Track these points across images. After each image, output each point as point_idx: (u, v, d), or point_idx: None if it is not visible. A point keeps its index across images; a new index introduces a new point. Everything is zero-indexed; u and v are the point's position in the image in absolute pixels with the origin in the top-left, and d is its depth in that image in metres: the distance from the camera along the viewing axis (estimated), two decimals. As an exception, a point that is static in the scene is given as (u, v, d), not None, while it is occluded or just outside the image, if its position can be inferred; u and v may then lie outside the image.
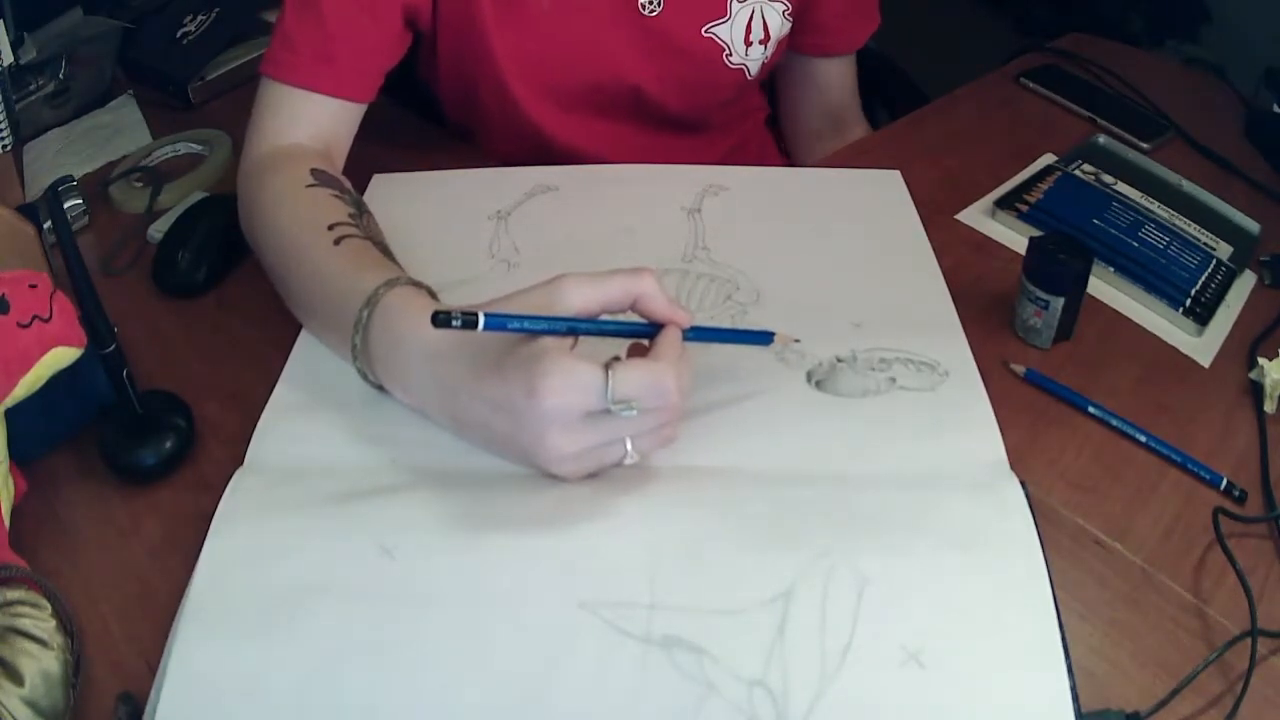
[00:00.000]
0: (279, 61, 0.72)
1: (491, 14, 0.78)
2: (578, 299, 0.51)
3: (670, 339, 0.52)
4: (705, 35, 0.83)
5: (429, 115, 0.94)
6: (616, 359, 0.49)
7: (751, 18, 0.84)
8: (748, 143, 1.01)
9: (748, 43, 0.85)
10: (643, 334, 0.54)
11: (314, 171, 0.67)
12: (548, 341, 0.49)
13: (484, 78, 0.81)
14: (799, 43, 0.92)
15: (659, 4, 0.81)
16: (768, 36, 0.86)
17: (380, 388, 0.59)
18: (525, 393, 0.48)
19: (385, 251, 0.64)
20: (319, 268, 0.61)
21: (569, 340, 0.51)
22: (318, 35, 0.72)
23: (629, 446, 0.51)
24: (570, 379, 0.48)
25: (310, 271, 0.62)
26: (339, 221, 0.63)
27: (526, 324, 0.49)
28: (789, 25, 0.87)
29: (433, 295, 0.58)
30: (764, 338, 0.60)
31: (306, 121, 0.73)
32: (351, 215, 0.65)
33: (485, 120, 0.86)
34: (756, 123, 1.02)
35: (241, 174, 0.72)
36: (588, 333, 0.52)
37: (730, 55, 0.85)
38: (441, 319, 0.47)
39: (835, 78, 0.98)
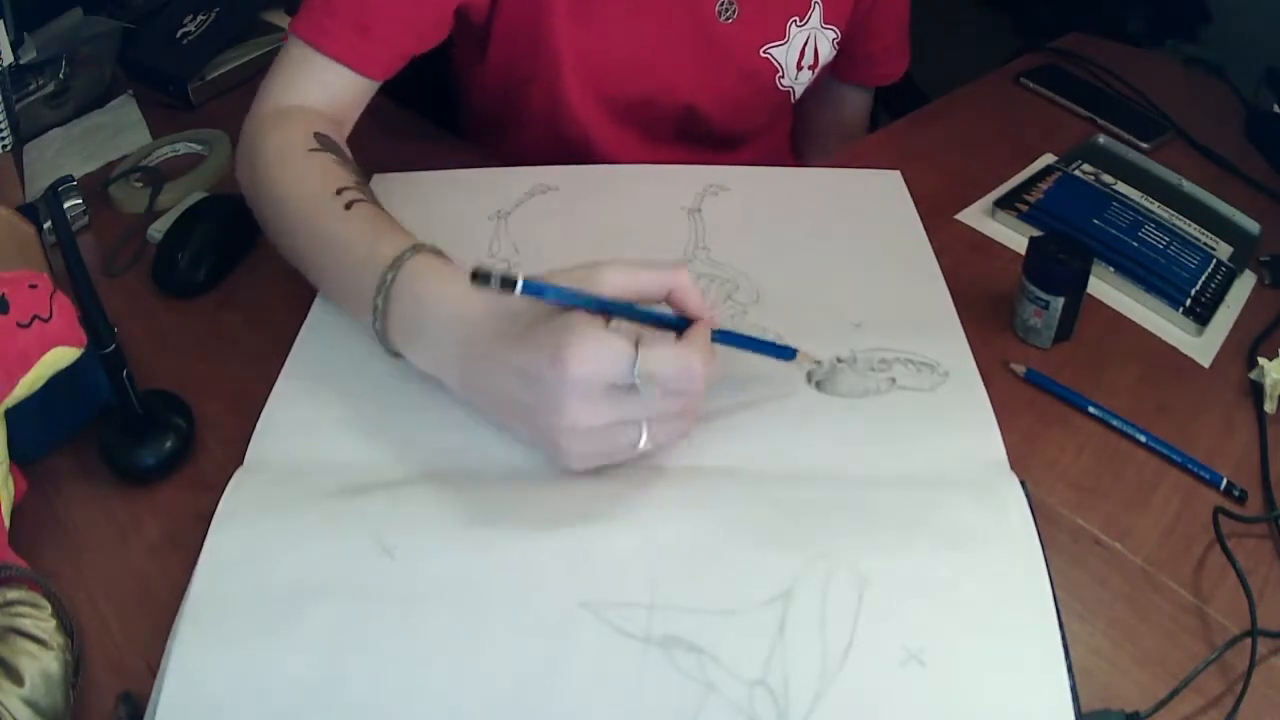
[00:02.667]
0: (314, 24, 0.71)
1: (564, 14, 0.78)
2: (615, 283, 0.51)
3: (700, 333, 0.52)
4: (763, 55, 0.86)
5: (429, 115, 0.94)
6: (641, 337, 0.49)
7: (806, 42, 0.87)
8: (770, 156, 1.02)
9: (799, 66, 0.88)
10: (673, 326, 0.54)
11: (317, 135, 0.67)
12: (580, 314, 0.49)
13: (539, 78, 0.82)
14: (838, 70, 0.96)
15: (734, 12, 0.83)
16: (816, 62, 0.89)
17: (396, 354, 0.59)
18: (552, 359, 0.48)
19: (390, 218, 0.63)
20: (332, 233, 0.61)
21: (601, 318, 0.50)
22: (357, 4, 0.71)
23: (644, 432, 0.51)
24: (600, 347, 0.48)
25: (323, 236, 0.62)
26: (346, 186, 0.63)
27: (563, 295, 0.49)
28: (834, 53, 0.90)
29: (447, 259, 0.59)
30: (787, 353, 0.60)
31: (326, 88, 0.72)
32: (357, 181, 0.65)
33: (522, 120, 0.87)
34: (781, 136, 1.04)
35: (246, 127, 0.71)
36: (620, 314, 0.51)
37: (782, 77, 0.88)
38: (482, 277, 0.47)
39: (856, 103, 1.02)
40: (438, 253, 0.58)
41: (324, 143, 0.67)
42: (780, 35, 0.86)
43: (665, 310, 0.54)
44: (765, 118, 0.93)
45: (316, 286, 0.66)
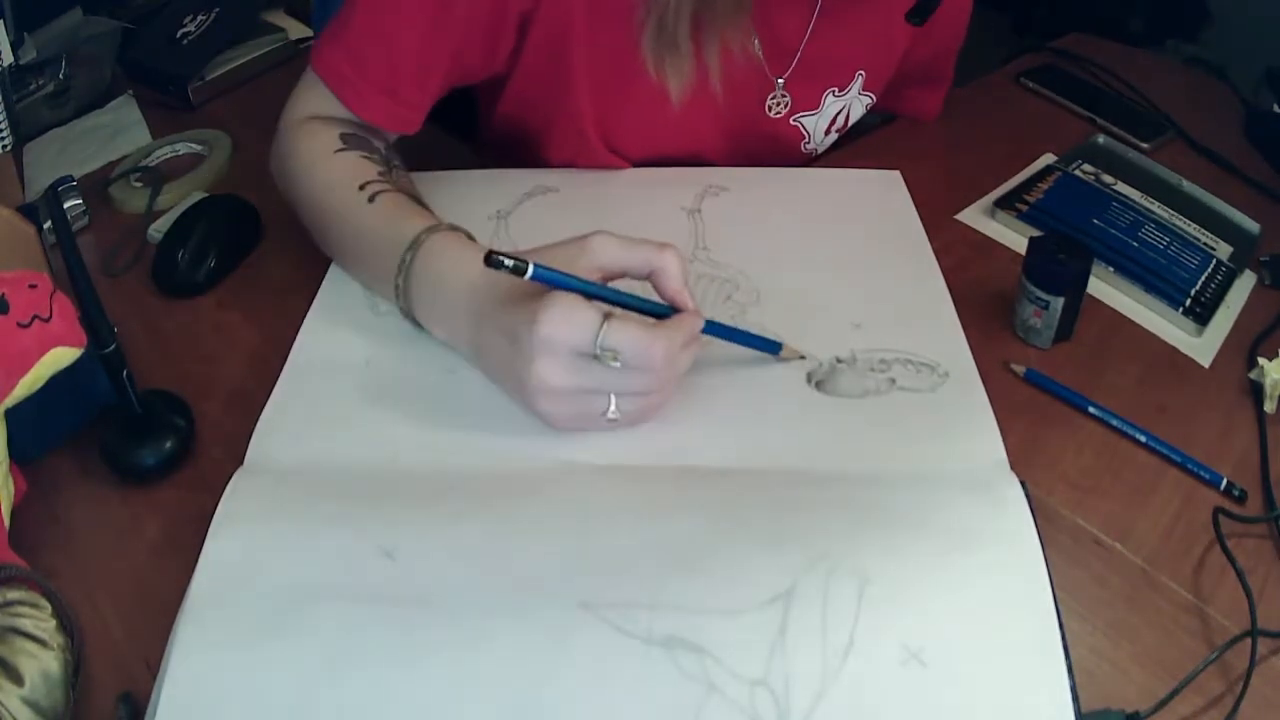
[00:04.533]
0: (343, 79, 0.71)
1: (585, 83, 0.75)
2: (604, 256, 0.55)
3: (679, 321, 0.55)
4: (793, 124, 0.84)
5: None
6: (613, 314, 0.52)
7: (840, 111, 0.85)
8: None
9: (827, 132, 0.86)
10: (657, 314, 0.56)
11: (343, 136, 0.70)
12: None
13: (561, 125, 0.79)
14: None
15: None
16: (846, 125, 0.87)
17: (419, 325, 0.63)
18: (528, 320, 0.52)
19: (418, 200, 0.67)
20: (357, 224, 0.66)
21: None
22: (387, 65, 0.70)
23: (612, 403, 0.54)
24: (568, 314, 0.52)
25: (350, 229, 0.67)
26: (369, 180, 0.67)
27: (570, 283, 0.53)
28: (864, 113, 0.87)
29: (470, 238, 0.63)
30: (772, 347, 0.62)
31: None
32: (381, 173, 0.68)
33: (537, 152, 0.83)
34: None
35: (278, 132, 0.74)
36: (619, 303, 0.55)
37: (808, 143, 0.86)
38: (495, 261, 0.51)
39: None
40: (455, 230, 0.62)
41: (349, 141, 0.70)
42: (814, 105, 0.83)
43: (663, 304, 0.56)
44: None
45: (352, 276, 0.70)
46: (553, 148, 0.81)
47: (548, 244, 0.56)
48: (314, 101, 0.73)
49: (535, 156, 0.83)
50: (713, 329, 0.58)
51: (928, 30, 0.78)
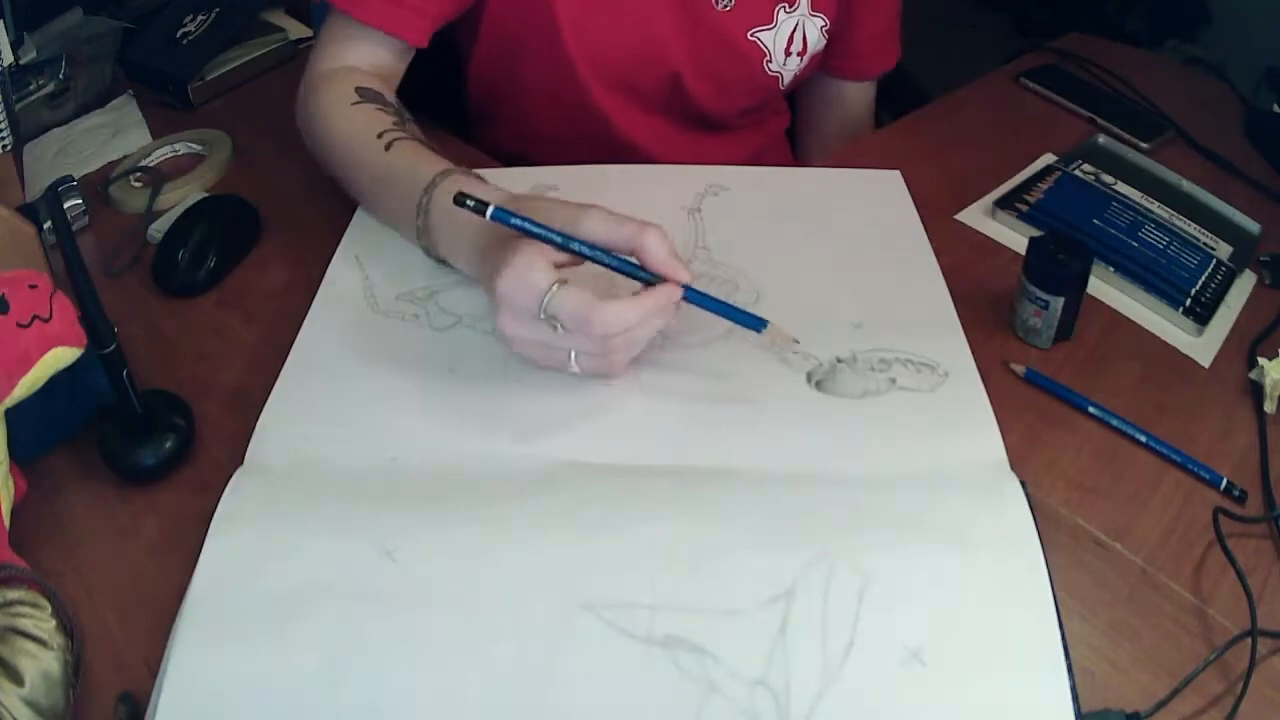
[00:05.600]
0: None
1: None
2: (593, 227, 0.57)
3: (658, 292, 0.57)
4: (750, 39, 0.86)
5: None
6: (566, 282, 0.55)
7: (795, 29, 0.88)
8: (767, 151, 1.02)
9: (787, 52, 0.88)
10: (641, 279, 0.58)
11: (359, 89, 0.74)
12: (534, 245, 0.56)
13: (537, 39, 0.83)
14: (829, 65, 0.96)
15: (730, 1, 0.84)
16: (805, 49, 0.89)
17: (442, 261, 0.68)
18: (493, 272, 0.56)
19: (430, 147, 0.71)
20: (377, 170, 0.70)
21: (555, 252, 0.56)
22: None
23: (572, 357, 0.57)
24: (521, 276, 0.55)
25: (370, 175, 0.71)
26: (385, 129, 0.71)
27: (527, 224, 0.56)
28: (824, 42, 0.90)
29: (481, 180, 0.66)
30: (756, 322, 0.59)
31: (363, 54, 0.78)
32: (395, 123, 0.72)
33: (522, 86, 0.88)
34: (778, 131, 1.04)
35: (300, 91, 0.78)
36: (581, 255, 0.57)
37: (770, 61, 0.88)
38: (459, 200, 0.56)
39: (856, 99, 1.02)
40: (469, 172, 0.66)
41: (365, 94, 0.74)
42: (768, 20, 0.86)
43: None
44: (753, 101, 0.93)
45: (376, 217, 0.74)
46: (529, 75, 0.86)
47: (553, 200, 0.59)
48: (329, 47, 0.78)
49: (518, 103, 0.88)
50: (694, 297, 0.58)
51: None
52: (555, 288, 0.54)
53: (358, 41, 0.77)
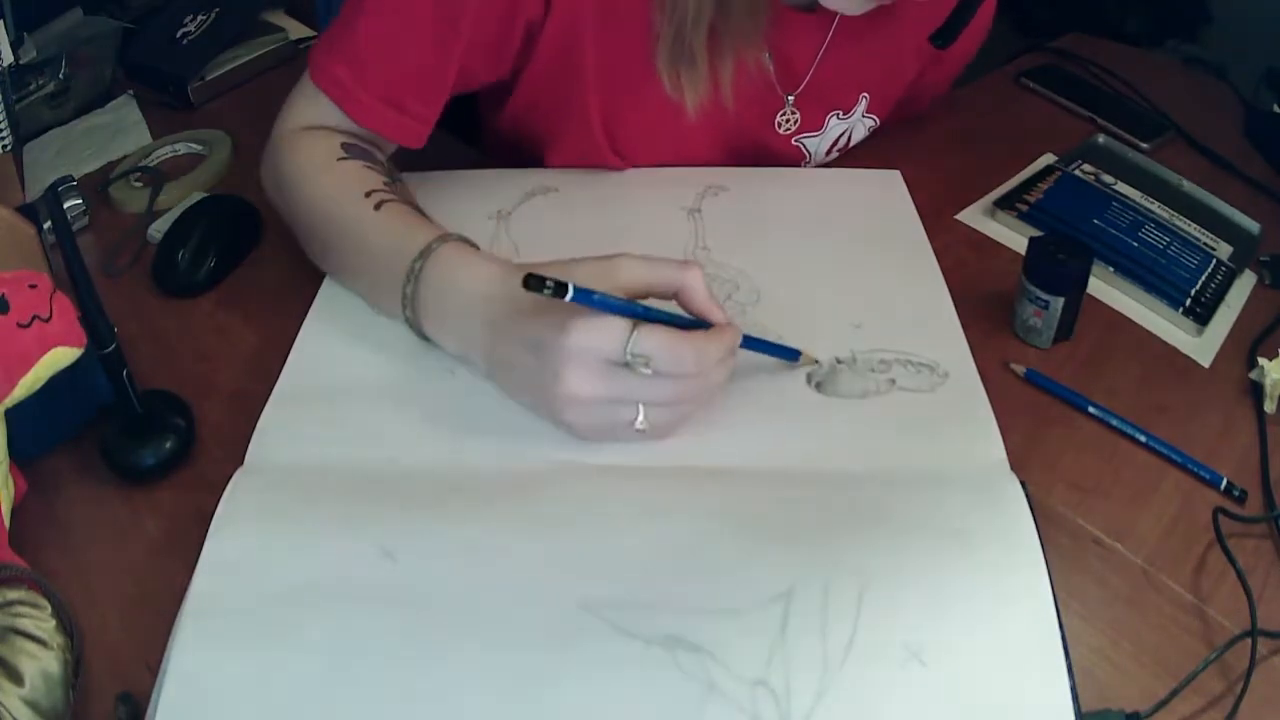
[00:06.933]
0: (341, 86, 0.69)
1: (594, 90, 0.75)
2: (630, 276, 0.54)
3: (721, 332, 0.55)
4: (795, 144, 0.83)
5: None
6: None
7: (843, 133, 0.84)
8: None
9: (828, 153, 0.85)
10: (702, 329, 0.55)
11: (345, 145, 0.69)
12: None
13: (572, 127, 0.78)
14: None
15: (795, 122, 0.81)
16: (847, 146, 0.86)
17: (425, 338, 0.62)
18: (557, 329, 0.52)
19: (422, 213, 0.66)
20: (363, 231, 0.64)
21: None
22: (391, 75, 0.69)
23: (641, 412, 0.53)
24: (597, 321, 0.51)
25: (354, 237, 0.65)
26: (375, 189, 0.65)
27: (608, 303, 0.52)
28: (866, 136, 0.87)
29: (474, 248, 0.62)
30: (793, 354, 0.62)
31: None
32: (385, 183, 0.67)
33: (544, 146, 0.82)
34: None
35: (270, 141, 0.72)
36: (654, 320, 0.53)
37: (808, 162, 0.85)
38: (535, 284, 0.49)
39: None
40: (466, 241, 0.62)
41: (352, 151, 0.69)
42: (818, 126, 0.82)
43: (697, 319, 0.56)
44: None
45: (350, 288, 0.68)
46: (558, 153, 0.81)
47: (573, 259, 0.55)
48: (310, 112, 0.71)
49: (539, 161, 0.83)
50: (746, 342, 0.58)
51: (940, 53, 0.77)
52: (638, 327, 0.51)
53: (347, 124, 0.71)
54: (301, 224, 0.69)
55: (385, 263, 0.62)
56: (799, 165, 0.85)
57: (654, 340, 0.51)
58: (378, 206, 0.64)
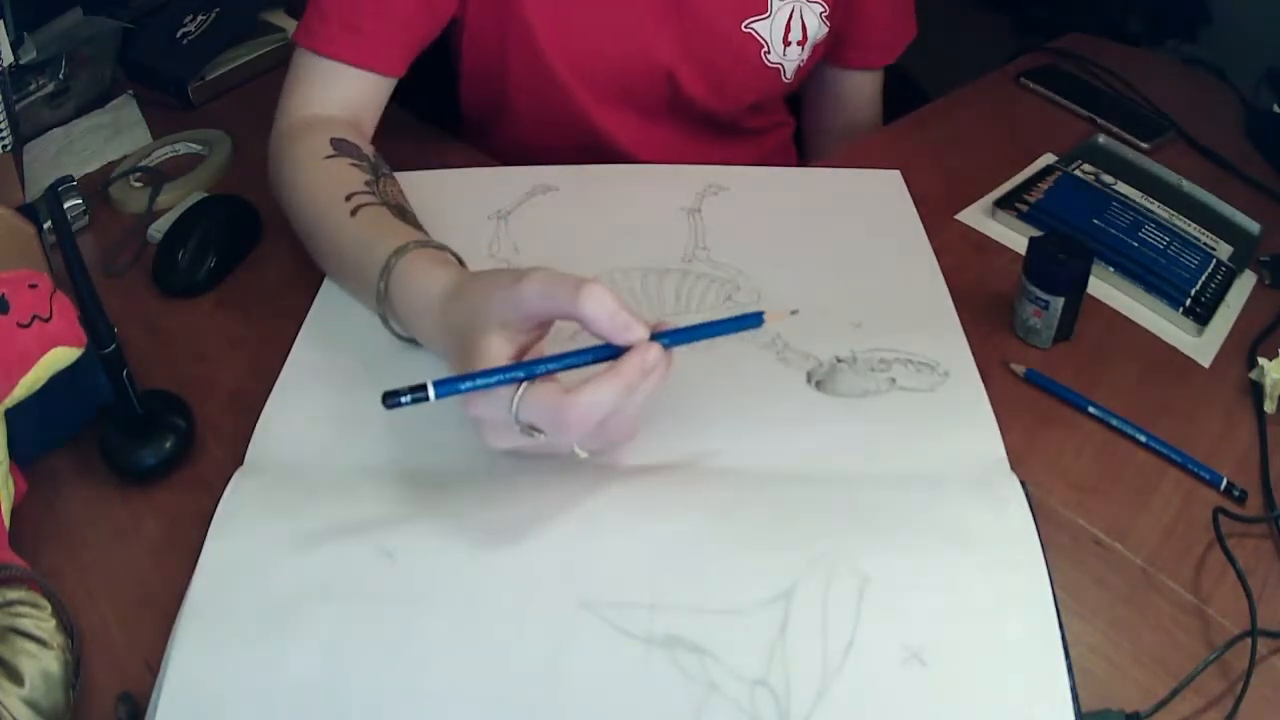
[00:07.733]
0: (309, 29, 0.75)
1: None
2: (531, 306, 0.50)
3: (629, 362, 0.48)
4: (745, 30, 0.84)
5: (429, 116, 0.94)
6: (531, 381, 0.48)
7: (791, 16, 0.85)
8: (773, 155, 1.01)
9: (786, 42, 0.86)
10: (607, 357, 0.50)
11: (333, 141, 0.70)
12: (493, 348, 0.50)
13: (517, 52, 0.82)
14: (834, 55, 0.93)
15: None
16: (805, 38, 0.86)
17: (412, 340, 0.63)
18: (460, 399, 0.49)
19: (401, 213, 0.66)
20: (340, 239, 0.66)
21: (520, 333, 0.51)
22: (347, 4, 0.74)
23: (575, 447, 0.50)
24: (485, 395, 0.49)
25: (333, 242, 0.67)
26: (355, 191, 0.66)
27: (479, 382, 0.48)
28: (825, 30, 0.87)
29: (440, 248, 0.61)
30: (754, 320, 0.53)
31: (334, 91, 0.75)
32: (368, 183, 0.68)
33: (512, 106, 0.87)
34: (784, 137, 1.03)
35: (271, 141, 0.75)
36: (546, 373, 0.49)
37: (769, 53, 0.86)
38: (390, 402, 0.47)
39: (863, 91, 0.99)
40: (436, 247, 0.61)
41: (340, 147, 0.70)
42: (762, 9, 0.84)
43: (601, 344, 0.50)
44: (756, 96, 0.90)
45: (342, 288, 0.70)
46: (516, 88, 0.84)
47: (491, 272, 0.54)
48: (300, 90, 0.75)
49: (510, 119, 0.85)
50: (682, 336, 0.51)
51: None
52: (521, 393, 0.48)
53: (329, 79, 0.75)
54: (296, 223, 0.72)
55: (359, 273, 0.63)
56: (761, 56, 0.86)
57: (535, 409, 0.48)
58: (354, 212, 0.65)
